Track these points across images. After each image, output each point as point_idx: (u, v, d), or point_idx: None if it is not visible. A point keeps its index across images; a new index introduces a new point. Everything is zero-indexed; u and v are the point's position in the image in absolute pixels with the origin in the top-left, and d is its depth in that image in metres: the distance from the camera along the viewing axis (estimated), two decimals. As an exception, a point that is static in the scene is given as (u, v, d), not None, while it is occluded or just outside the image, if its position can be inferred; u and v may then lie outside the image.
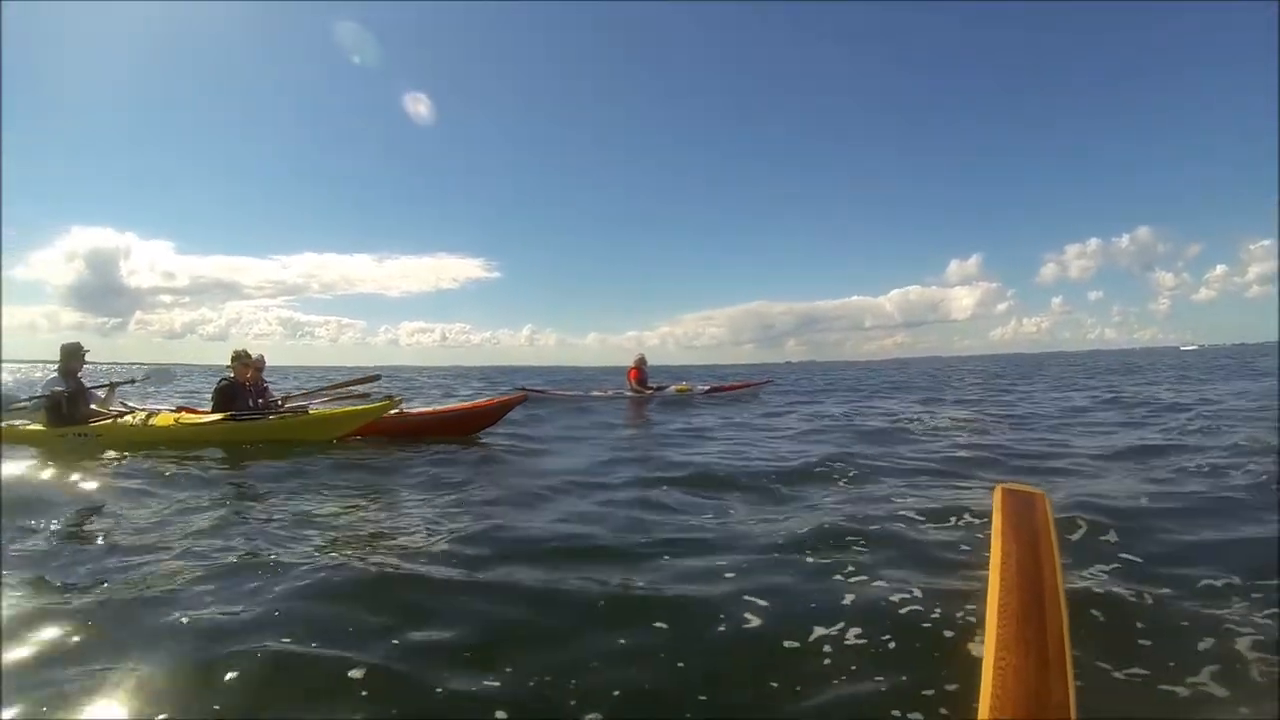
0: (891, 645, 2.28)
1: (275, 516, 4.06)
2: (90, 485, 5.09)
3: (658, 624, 2.45)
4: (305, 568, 3.01)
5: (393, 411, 8.23)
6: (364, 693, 1.98)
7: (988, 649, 1.25)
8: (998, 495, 1.92)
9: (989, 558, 1.62)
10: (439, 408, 9.30)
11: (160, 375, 7.66)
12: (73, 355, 6.99)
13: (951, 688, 2.01)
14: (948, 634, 2.36)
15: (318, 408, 8.00)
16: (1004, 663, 1.18)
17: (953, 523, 3.77)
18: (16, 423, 7.10)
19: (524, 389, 13.65)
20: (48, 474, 5.46)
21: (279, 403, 8.24)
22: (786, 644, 2.31)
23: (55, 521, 4.00)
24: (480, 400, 9.67)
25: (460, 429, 8.48)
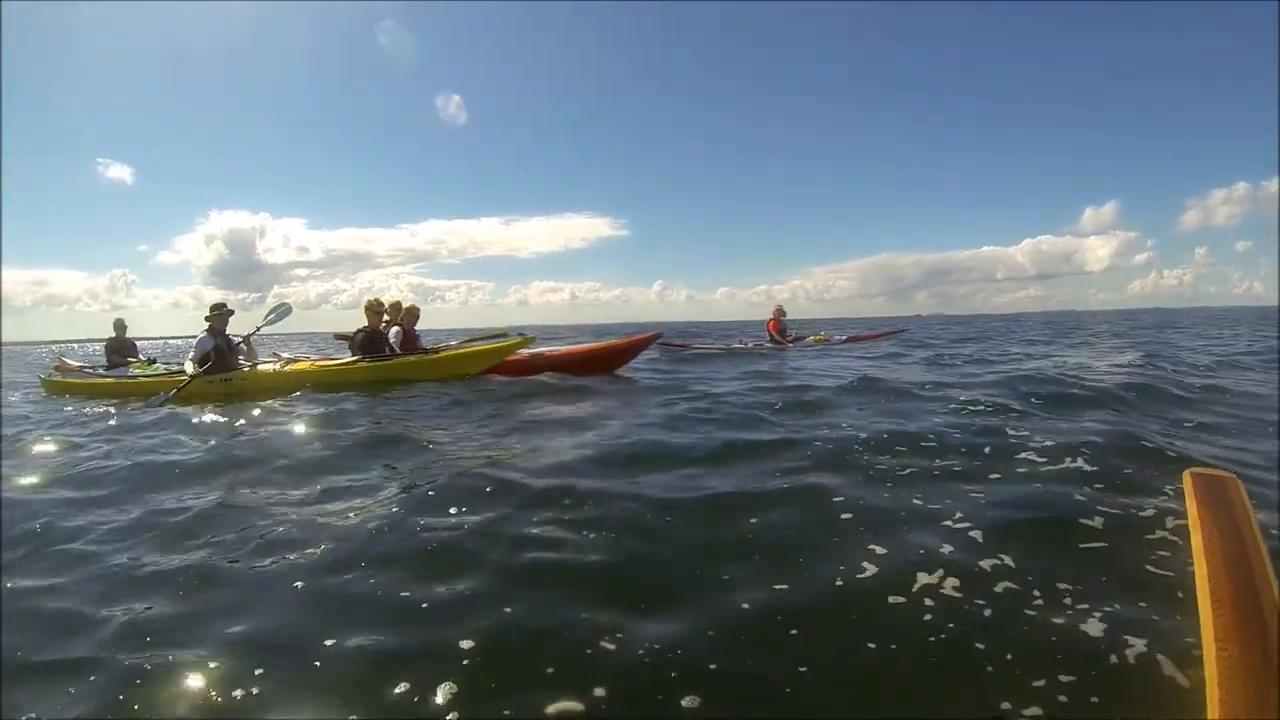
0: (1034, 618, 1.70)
1: (407, 450, 3.88)
2: (228, 420, 5.40)
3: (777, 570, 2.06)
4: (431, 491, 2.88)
5: (525, 352, 8.25)
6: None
7: (1206, 642, 1.19)
8: (1188, 481, 1.88)
9: (1189, 546, 1.59)
10: (571, 348, 9.13)
11: (280, 311, 7.93)
12: (220, 316, 7.47)
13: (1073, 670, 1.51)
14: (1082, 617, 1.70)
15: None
16: (1226, 654, 1.12)
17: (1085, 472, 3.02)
18: (175, 374, 7.75)
19: (662, 338, 14.01)
20: (191, 414, 5.82)
21: (426, 350, 8.24)
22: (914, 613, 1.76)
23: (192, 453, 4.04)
24: (613, 340, 9.49)
25: (592, 368, 8.23)
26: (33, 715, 1.57)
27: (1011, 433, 3.63)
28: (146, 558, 2.32)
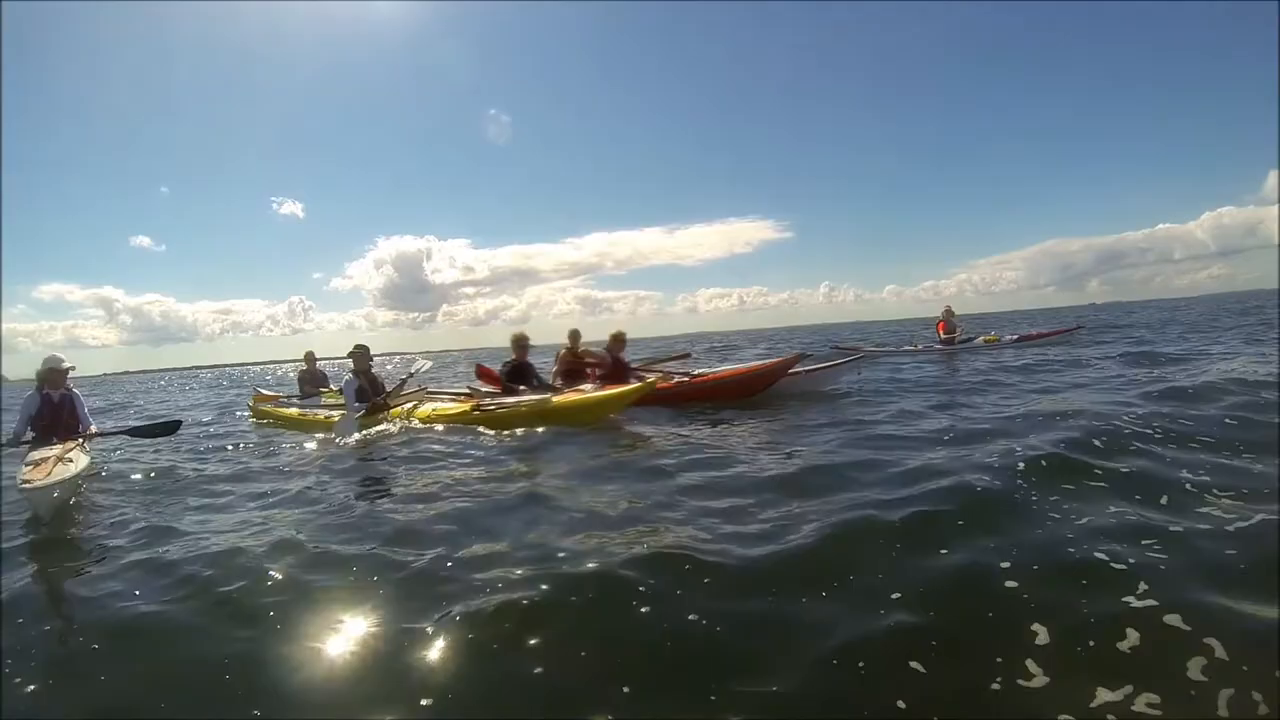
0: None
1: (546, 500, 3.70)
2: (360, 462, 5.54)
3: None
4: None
5: (675, 371, 8.03)
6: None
7: None
8: None
9: None
10: (707, 374, 8.46)
11: (420, 374, 7.94)
12: (359, 356, 7.35)
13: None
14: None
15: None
16: None
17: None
18: (333, 414, 7.85)
19: (837, 348, 14.04)
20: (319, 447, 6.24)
21: (639, 372, 7.93)
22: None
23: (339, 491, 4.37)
24: (754, 364, 8.99)
25: (732, 395, 7.67)
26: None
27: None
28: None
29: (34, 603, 2.75)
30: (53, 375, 5.82)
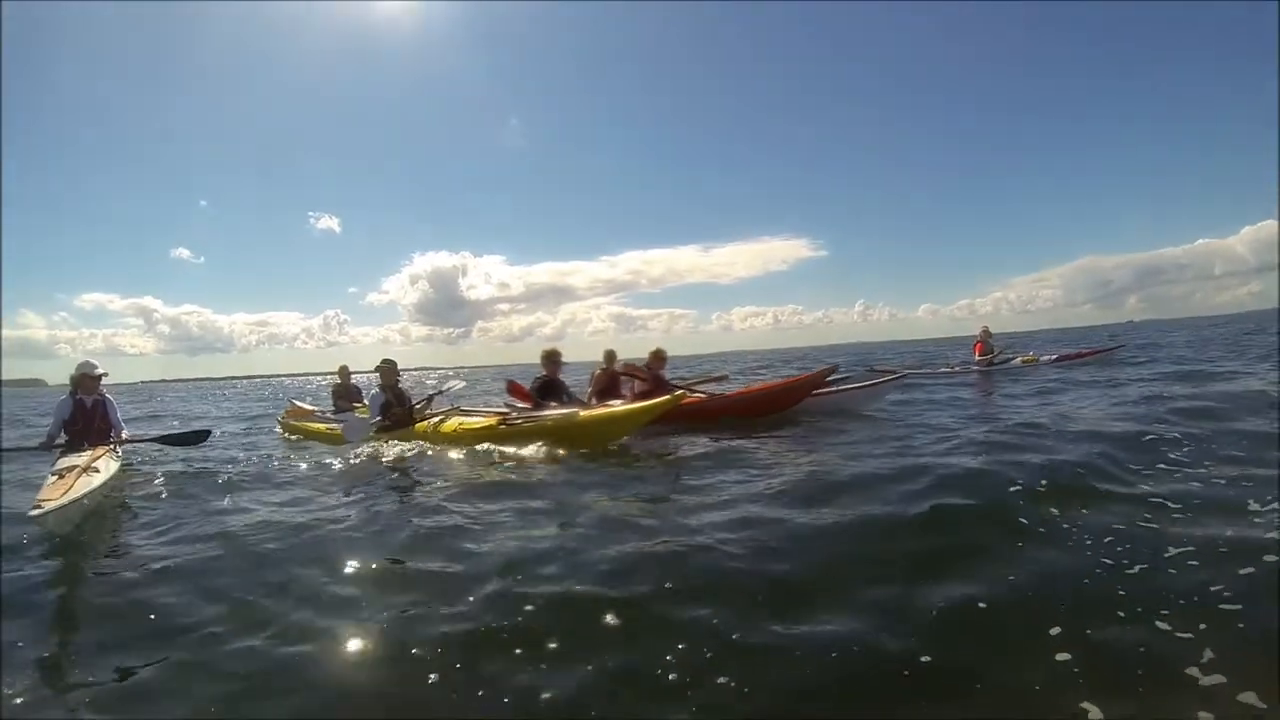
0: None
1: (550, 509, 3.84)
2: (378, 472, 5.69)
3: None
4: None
5: (706, 390, 8.15)
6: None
7: None
8: None
9: None
10: (732, 390, 8.57)
11: (449, 391, 8.05)
12: (386, 371, 7.49)
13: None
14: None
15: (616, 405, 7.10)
16: None
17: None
18: (337, 426, 7.78)
19: (873, 370, 13.49)
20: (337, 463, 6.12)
21: (686, 389, 7.75)
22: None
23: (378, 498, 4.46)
24: (781, 379, 9.04)
25: (761, 409, 7.67)
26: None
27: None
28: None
29: (45, 607, 2.82)
30: (85, 381, 5.87)
